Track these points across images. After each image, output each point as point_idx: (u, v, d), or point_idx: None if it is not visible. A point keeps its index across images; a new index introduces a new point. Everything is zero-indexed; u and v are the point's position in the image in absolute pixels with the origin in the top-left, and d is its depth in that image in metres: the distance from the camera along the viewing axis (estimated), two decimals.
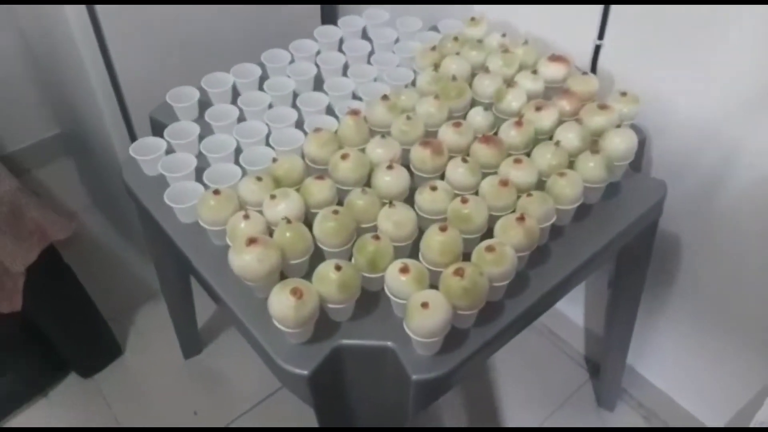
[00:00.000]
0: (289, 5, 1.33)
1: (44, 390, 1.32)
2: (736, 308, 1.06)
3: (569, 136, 0.86)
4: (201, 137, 0.94)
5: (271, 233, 0.77)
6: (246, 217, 0.77)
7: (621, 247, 0.91)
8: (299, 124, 0.95)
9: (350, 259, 0.76)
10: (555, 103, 0.92)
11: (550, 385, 1.36)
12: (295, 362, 0.71)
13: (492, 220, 0.78)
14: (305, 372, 0.70)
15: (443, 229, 0.73)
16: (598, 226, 0.86)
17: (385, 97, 0.91)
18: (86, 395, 1.33)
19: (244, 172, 0.88)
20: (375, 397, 0.78)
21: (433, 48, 1.05)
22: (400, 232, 0.76)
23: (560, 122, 0.89)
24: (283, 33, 1.13)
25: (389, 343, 0.72)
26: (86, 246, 1.60)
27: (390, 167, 0.82)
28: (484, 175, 0.83)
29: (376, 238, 0.74)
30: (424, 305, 0.67)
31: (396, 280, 0.71)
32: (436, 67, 0.99)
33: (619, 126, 0.88)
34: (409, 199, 0.82)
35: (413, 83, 1.01)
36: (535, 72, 0.96)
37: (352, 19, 1.17)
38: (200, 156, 0.92)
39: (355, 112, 0.90)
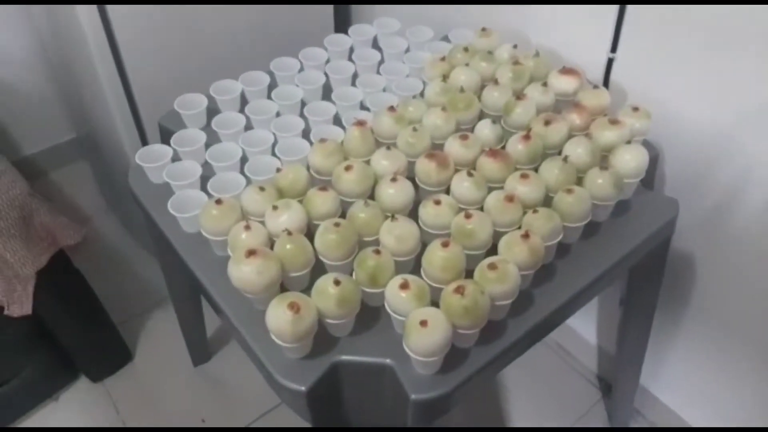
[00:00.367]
0: (302, 12, 1.33)
1: (54, 394, 1.33)
2: (751, 328, 1.03)
3: (578, 152, 0.84)
4: (208, 145, 0.94)
5: (272, 245, 0.76)
6: (247, 227, 0.76)
7: (631, 265, 0.88)
8: (306, 134, 0.95)
9: (351, 273, 0.75)
10: (565, 117, 0.90)
11: (562, 402, 1.33)
12: (292, 377, 0.70)
13: (497, 236, 0.77)
14: (302, 388, 0.69)
15: (446, 245, 0.72)
16: (606, 244, 0.84)
17: (391, 108, 0.90)
18: (95, 399, 1.34)
19: (249, 182, 0.87)
20: (373, 416, 0.77)
21: (443, 58, 1.03)
22: (402, 246, 0.75)
23: (570, 136, 0.87)
24: (294, 41, 1.13)
25: (388, 361, 0.71)
26: (98, 250, 1.61)
27: (394, 180, 0.81)
28: (490, 190, 0.81)
29: (377, 252, 0.73)
30: (423, 323, 0.66)
31: (396, 296, 0.70)
32: (445, 77, 0.98)
33: (629, 142, 0.86)
34: (413, 213, 0.80)
35: (422, 94, 0.99)
36: (545, 84, 0.94)
37: (363, 27, 1.16)
38: (207, 164, 0.92)
39: (361, 123, 0.89)
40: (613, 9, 0.94)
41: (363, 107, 1.01)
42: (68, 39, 1.25)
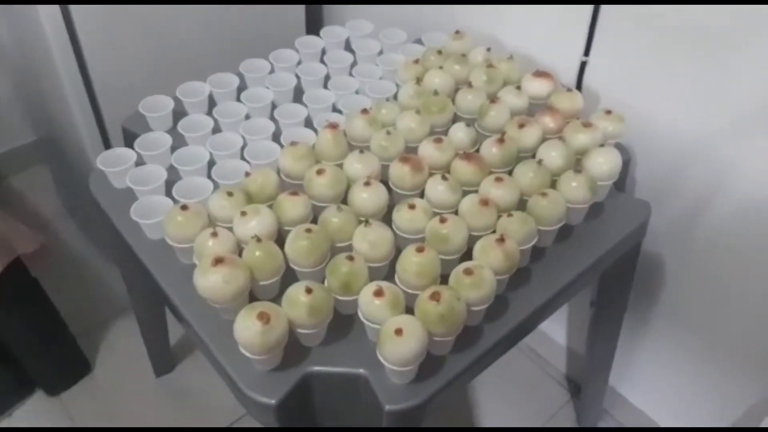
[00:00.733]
0: (273, 12, 1.31)
1: (8, 409, 1.27)
2: (718, 330, 1.04)
3: (552, 155, 0.83)
4: (174, 149, 0.90)
5: (241, 252, 0.73)
6: (214, 234, 0.73)
7: (604, 268, 0.88)
8: (276, 137, 0.92)
9: (323, 281, 0.73)
10: (538, 120, 0.89)
11: (530, 404, 1.33)
12: (261, 390, 0.67)
13: (471, 240, 0.75)
14: (272, 401, 0.66)
15: (420, 250, 0.70)
16: (580, 247, 0.83)
17: (364, 111, 0.88)
18: (52, 414, 1.28)
19: (216, 187, 0.84)
20: (347, 428, 0.74)
21: (416, 61, 1.02)
22: (376, 252, 0.73)
23: (543, 140, 0.87)
24: (265, 42, 1.10)
25: (362, 371, 0.69)
26: (57, 258, 1.55)
27: (367, 184, 0.79)
28: (465, 193, 0.80)
29: (351, 258, 0.70)
30: (398, 332, 0.64)
31: (370, 304, 0.68)
32: (419, 80, 0.96)
33: (603, 145, 0.86)
34: (387, 218, 0.79)
35: (395, 97, 0.98)
36: (519, 88, 0.94)
37: (335, 29, 1.14)
38: (172, 169, 0.88)
39: (333, 126, 0.87)
40: (587, 14, 0.94)
41: (335, 110, 0.99)
42: (29, 38, 1.20)
